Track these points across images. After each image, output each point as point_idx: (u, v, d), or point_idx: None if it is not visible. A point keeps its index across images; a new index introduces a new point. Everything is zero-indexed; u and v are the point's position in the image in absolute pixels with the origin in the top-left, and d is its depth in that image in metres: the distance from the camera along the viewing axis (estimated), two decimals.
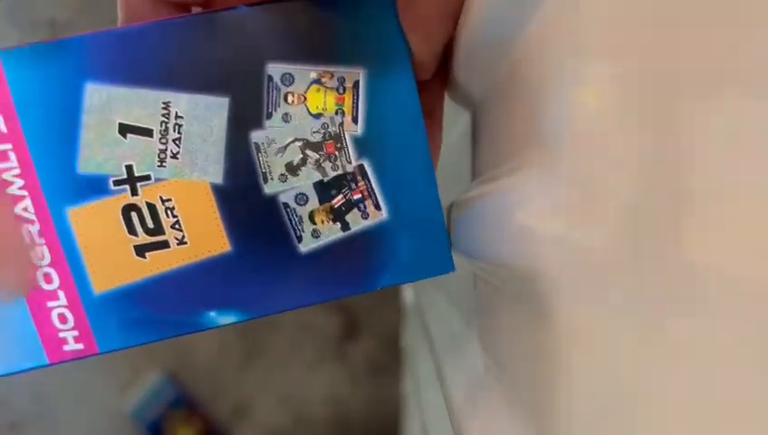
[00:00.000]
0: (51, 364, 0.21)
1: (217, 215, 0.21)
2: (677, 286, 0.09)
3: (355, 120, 0.21)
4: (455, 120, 0.32)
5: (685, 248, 0.09)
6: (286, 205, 0.21)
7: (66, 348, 0.21)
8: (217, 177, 0.21)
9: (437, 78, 0.23)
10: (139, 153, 0.21)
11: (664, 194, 0.10)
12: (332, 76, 0.21)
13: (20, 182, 0.20)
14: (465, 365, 0.27)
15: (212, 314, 0.21)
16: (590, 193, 0.13)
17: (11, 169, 0.20)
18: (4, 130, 0.20)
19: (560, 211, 0.14)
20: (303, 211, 0.21)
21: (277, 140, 0.21)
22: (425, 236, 0.22)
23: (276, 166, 0.21)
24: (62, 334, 0.21)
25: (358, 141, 0.21)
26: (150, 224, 0.21)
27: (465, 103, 0.26)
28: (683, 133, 0.09)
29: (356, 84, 0.21)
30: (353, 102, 0.21)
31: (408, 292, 0.83)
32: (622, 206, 0.11)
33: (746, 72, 0.08)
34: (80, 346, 0.21)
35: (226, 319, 0.21)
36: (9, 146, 0.20)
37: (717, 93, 0.09)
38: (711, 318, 0.09)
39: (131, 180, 0.21)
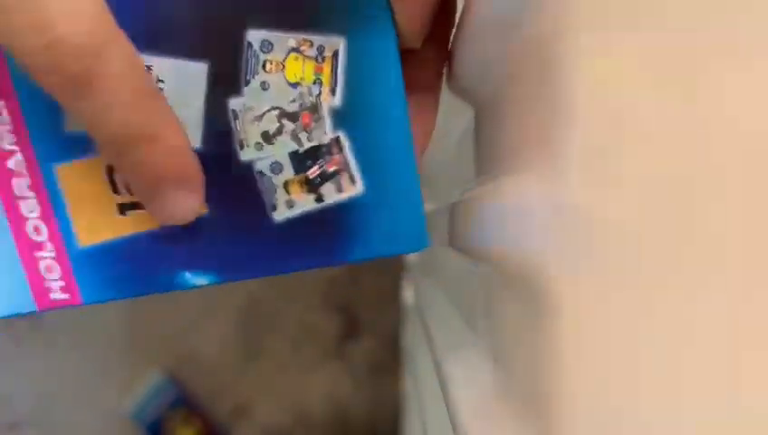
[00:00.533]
0: (39, 310, 0.21)
1: None
2: (683, 288, 0.09)
3: (333, 90, 0.21)
4: (457, 117, 0.32)
5: (692, 250, 0.09)
6: (261, 173, 0.21)
7: (53, 296, 0.22)
8: (195, 141, 0.21)
9: (435, 51, 0.23)
10: None
11: (670, 196, 0.10)
12: (312, 45, 0.21)
13: (11, 138, 0.21)
14: (465, 365, 0.27)
15: (187, 274, 0.22)
16: (593, 192, 0.12)
17: (3, 123, 0.21)
18: None
19: (563, 210, 0.14)
20: (278, 180, 0.21)
21: (254, 107, 0.21)
22: (400, 212, 0.22)
23: (252, 134, 0.21)
24: (47, 284, 0.21)
25: (335, 113, 0.21)
26: None
27: (468, 99, 0.26)
28: (690, 131, 0.09)
29: (335, 54, 0.21)
30: (332, 72, 0.21)
31: (409, 292, 0.83)
32: (626, 206, 0.11)
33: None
34: (65, 295, 0.22)
35: (200, 280, 0.22)
36: (2, 103, 0.20)
37: (739, 65, 0.08)
38: (716, 319, 0.08)
39: None
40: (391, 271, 1.01)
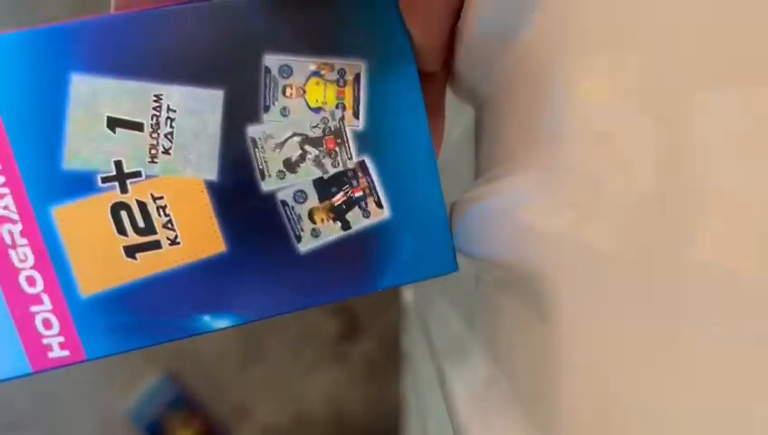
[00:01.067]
0: (34, 373, 0.20)
1: (212, 213, 0.20)
2: (681, 287, 0.09)
3: (356, 114, 0.21)
4: (457, 117, 0.32)
5: (690, 249, 0.09)
6: (285, 203, 0.20)
7: (51, 355, 0.20)
8: (212, 173, 0.20)
9: (442, 69, 0.22)
10: (129, 148, 0.20)
11: (669, 194, 0.10)
12: (332, 68, 0.20)
13: (0, 179, 0.19)
14: (465, 366, 0.27)
15: (206, 318, 0.20)
16: (593, 192, 0.12)
17: None
18: None
19: (562, 211, 0.14)
20: (302, 209, 0.21)
21: (275, 134, 0.20)
22: (428, 235, 0.21)
23: (274, 162, 0.20)
24: (46, 341, 0.20)
25: (359, 137, 0.21)
26: (141, 223, 0.20)
27: (469, 99, 0.26)
28: (691, 129, 0.09)
29: (357, 77, 0.20)
30: (354, 96, 0.20)
31: (409, 292, 0.83)
32: (625, 205, 0.11)
33: (758, 63, 0.08)
34: (65, 353, 0.20)
35: (221, 323, 0.20)
36: None
37: (725, 86, 0.08)
38: (717, 319, 0.08)
39: (120, 177, 0.20)
40: None
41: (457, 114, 0.32)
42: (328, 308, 1.04)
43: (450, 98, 0.25)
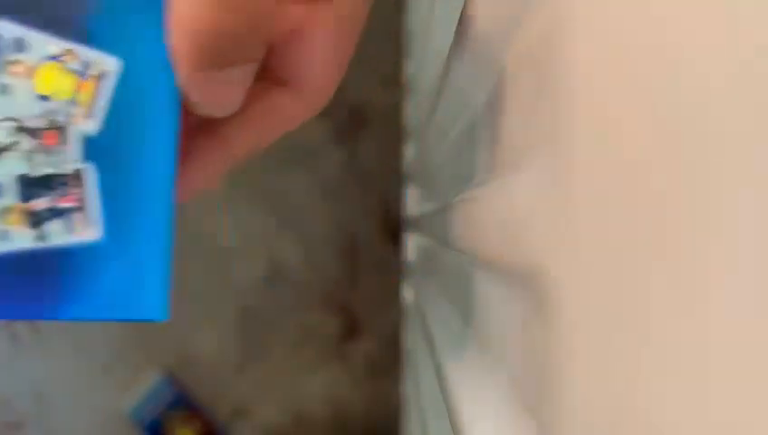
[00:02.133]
0: None
1: None
2: (683, 286, 0.09)
3: (91, 115, 0.18)
4: (456, 117, 0.32)
5: (693, 248, 0.09)
6: None
7: None
8: None
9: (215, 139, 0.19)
10: None
11: (670, 195, 0.10)
12: (77, 58, 0.18)
13: None
14: (465, 365, 0.27)
15: None
16: (593, 193, 0.12)
17: None
18: None
19: (563, 210, 0.14)
20: None
21: None
22: (141, 272, 0.18)
23: None
24: None
25: (87, 141, 0.18)
26: None
27: (468, 98, 0.26)
28: (695, 128, 0.09)
29: (104, 75, 0.18)
30: (94, 95, 0.18)
31: (409, 292, 0.83)
32: (628, 204, 0.11)
33: (762, 60, 0.08)
34: None
35: None
36: None
37: (730, 84, 0.08)
38: (719, 317, 0.08)
39: None
40: (391, 271, 1.01)
41: (457, 115, 0.32)
42: (328, 307, 1.04)
43: (449, 98, 0.25)
